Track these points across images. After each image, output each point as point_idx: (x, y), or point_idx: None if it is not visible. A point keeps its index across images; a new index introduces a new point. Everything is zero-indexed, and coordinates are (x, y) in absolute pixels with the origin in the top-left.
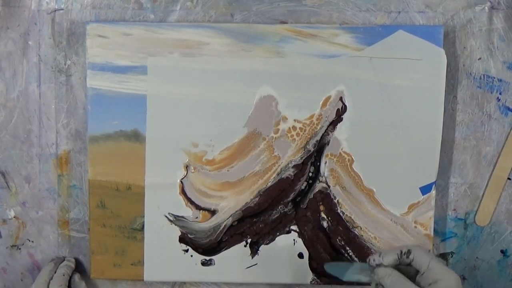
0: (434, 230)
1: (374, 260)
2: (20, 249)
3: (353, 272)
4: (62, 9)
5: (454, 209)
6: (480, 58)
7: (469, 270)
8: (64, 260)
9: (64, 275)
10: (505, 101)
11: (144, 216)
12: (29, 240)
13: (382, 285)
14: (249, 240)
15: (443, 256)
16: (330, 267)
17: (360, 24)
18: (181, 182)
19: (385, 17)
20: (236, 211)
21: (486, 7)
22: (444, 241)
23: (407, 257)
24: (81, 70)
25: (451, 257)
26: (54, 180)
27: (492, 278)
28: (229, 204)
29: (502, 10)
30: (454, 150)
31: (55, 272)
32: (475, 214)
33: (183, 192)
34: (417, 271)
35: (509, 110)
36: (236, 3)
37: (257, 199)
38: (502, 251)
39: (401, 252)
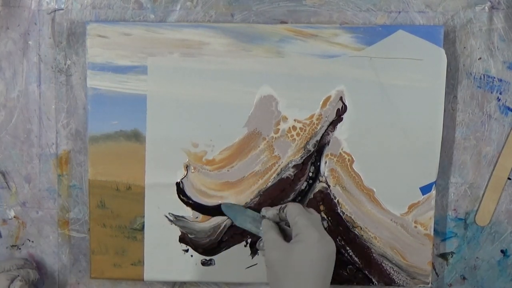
0: (434, 230)
1: (262, 212)
2: (20, 249)
3: (245, 220)
4: (62, 9)
5: (454, 209)
6: (480, 58)
7: (469, 270)
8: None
9: (19, 276)
10: (505, 101)
11: (144, 216)
12: (29, 240)
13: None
14: (249, 240)
15: (443, 256)
16: (226, 208)
17: (360, 24)
18: (181, 182)
19: (385, 17)
20: None
21: (486, 7)
22: (444, 241)
23: (283, 211)
24: (81, 70)
25: (451, 257)
26: (54, 180)
27: (492, 278)
28: None
29: (502, 10)
30: (454, 150)
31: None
32: (475, 214)
33: (183, 192)
34: None
35: (509, 110)
36: (236, 3)
37: (257, 199)
38: (502, 251)
39: (281, 207)
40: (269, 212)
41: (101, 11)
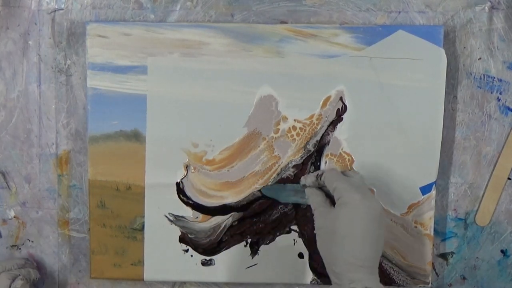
0: (434, 230)
1: (301, 181)
2: (20, 249)
3: (288, 194)
4: (62, 9)
5: (454, 209)
6: (480, 58)
7: (469, 270)
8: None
9: (20, 275)
10: (505, 101)
11: (144, 216)
12: (29, 240)
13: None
14: (249, 240)
15: (443, 256)
16: (267, 190)
17: (360, 24)
18: (181, 182)
19: (385, 17)
20: None
21: (486, 7)
22: (444, 241)
23: (320, 178)
24: (81, 70)
25: (451, 257)
26: (54, 180)
27: (492, 278)
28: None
29: (502, 10)
30: (454, 150)
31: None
32: (475, 214)
33: (183, 192)
34: None
35: (509, 110)
36: (236, 3)
37: None
38: (502, 251)
39: (317, 174)
40: (308, 179)
41: (101, 11)
